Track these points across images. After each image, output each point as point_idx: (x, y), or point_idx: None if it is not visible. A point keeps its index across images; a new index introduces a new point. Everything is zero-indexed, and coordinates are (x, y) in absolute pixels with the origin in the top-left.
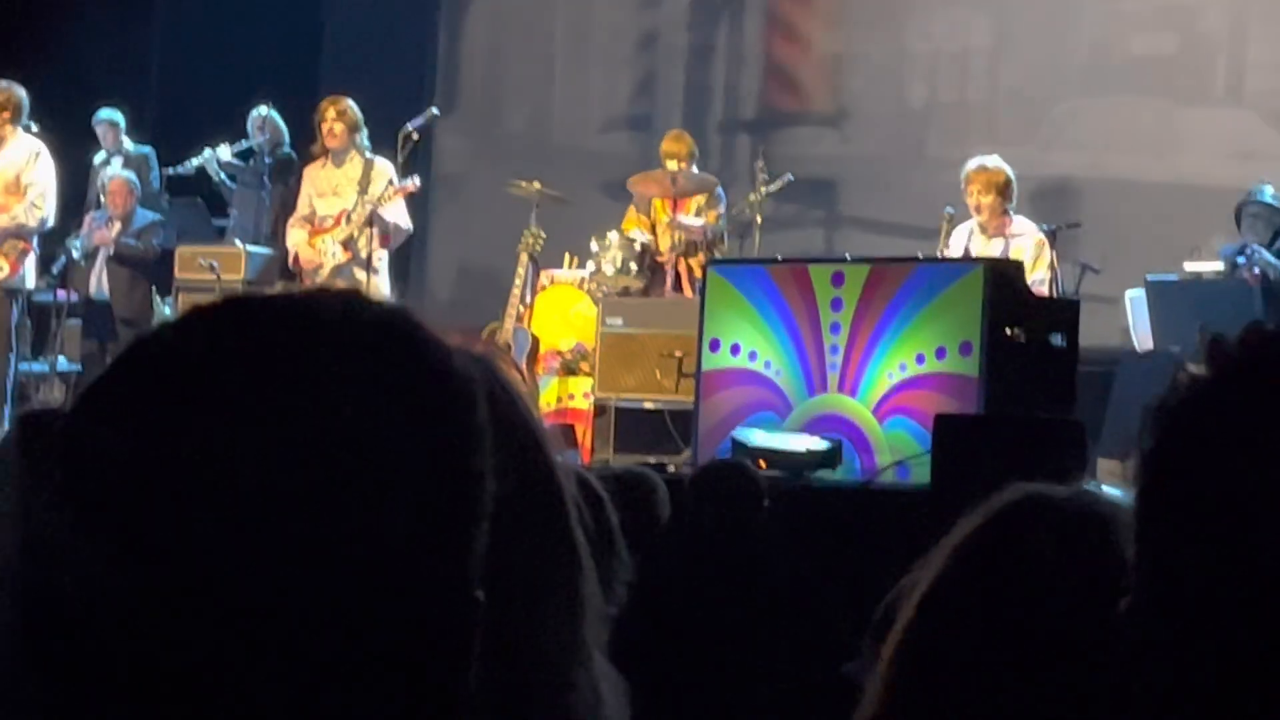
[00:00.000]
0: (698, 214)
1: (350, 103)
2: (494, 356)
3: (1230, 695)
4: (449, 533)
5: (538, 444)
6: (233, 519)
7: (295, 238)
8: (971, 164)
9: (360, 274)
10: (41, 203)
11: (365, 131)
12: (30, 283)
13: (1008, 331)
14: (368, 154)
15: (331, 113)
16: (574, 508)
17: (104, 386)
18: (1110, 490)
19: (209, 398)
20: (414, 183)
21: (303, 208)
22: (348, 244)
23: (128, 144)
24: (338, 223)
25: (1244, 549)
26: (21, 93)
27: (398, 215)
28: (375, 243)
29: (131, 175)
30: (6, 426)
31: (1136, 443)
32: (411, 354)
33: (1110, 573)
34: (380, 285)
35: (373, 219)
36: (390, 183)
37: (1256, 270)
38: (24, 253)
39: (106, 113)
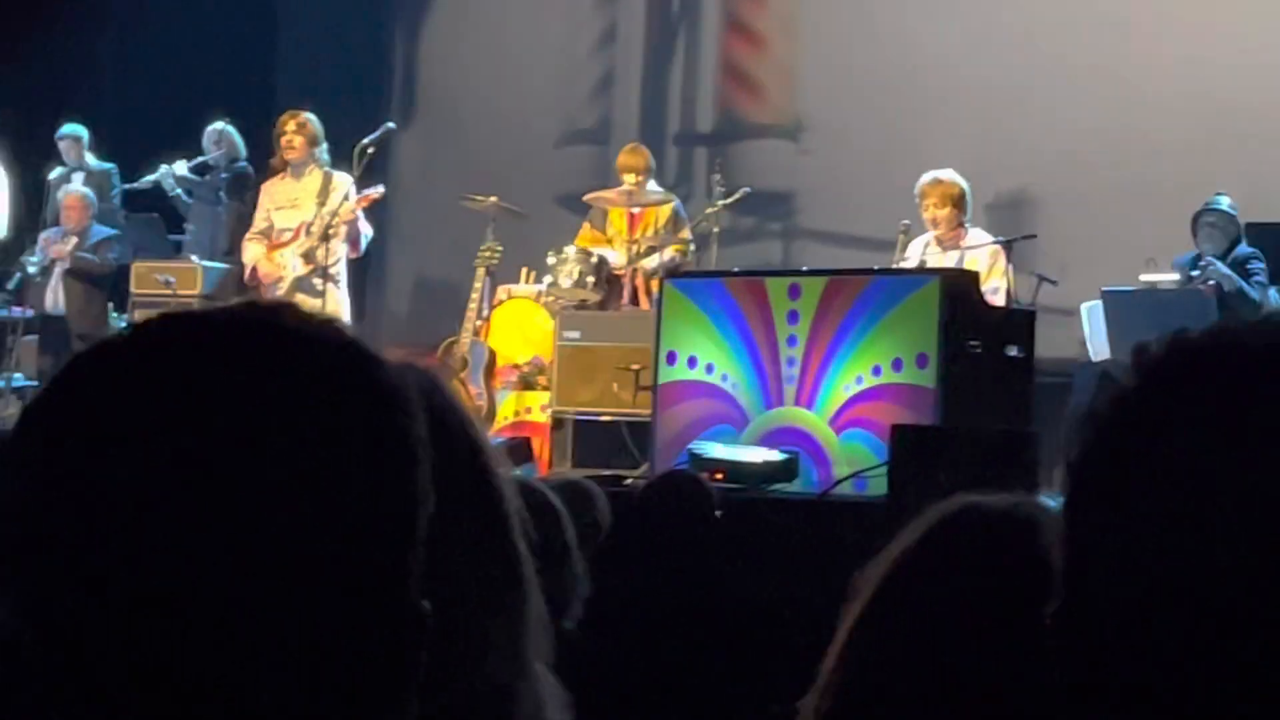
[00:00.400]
0: (657, 233)
1: (310, 116)
2: (439, 372)
3: (1152, 700)
4: (389, 547)
5: (480, 458)
6: (166, 539)
7: (253, 252)
8: (926, 178)
9: (320, 285)
10: None
11: (325, 145)
12: None
13: (964, 343)
14: (326, 168)
15: (291, 125)
16: (516, 520)
17: (39, 407)
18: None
19: (140, 420)
20: (378, 191)
21: (259, 222)
22: (308, 256)
23: (90, 159)
24: (296, 235)
25: (1165, 555)
26: None
27: (362, 222)
28: (345, 251)
29: (87, 190)
30: None
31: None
32: (348, 370)
33: (1038, 580)
34: (340, 297)
35: (327, 232)
36: (347, 196)
37: (1211, 281)
38: None
39: (71, 127)
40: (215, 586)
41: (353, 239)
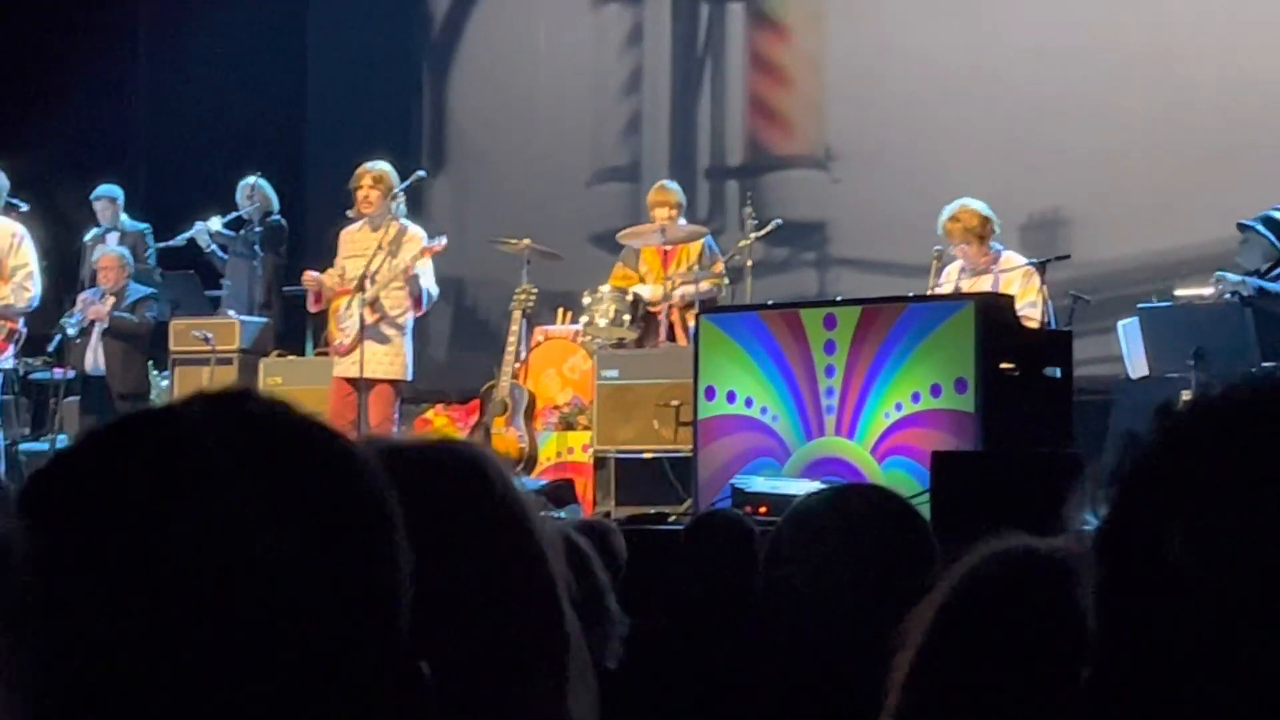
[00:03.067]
0: (690, 269)
1: (386, 168)
2: (481, 449)
3: None
4: (371, 615)
5: (528, 533)
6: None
7: (327, 280)
8: (944, 215)
9: (388, 331)
10: (29, 284)
11: (402, 199)
12: (10, 363)
13: (1001, 366)
14: (402, 219)
15: (367, 180)
16: (562, 583)
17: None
18: None
19: (127, 511)
20: (440, 243)
21: (336, 268)
22: (374, 305)
23: (125, 219)
24: (361, 285)
25: (1197, 626)
26: None
27: (428, 280)
28: (407, 305)
29: (123, 250)
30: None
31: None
32: (314, 450)
33: (1076, 638)
34: (405, 346)
35: (406, 281)
36: (417, 247)
37: (1227, 295)
38: (12, 333)
39: (106, 188)
40: (198, 660)
41: (415, 296)
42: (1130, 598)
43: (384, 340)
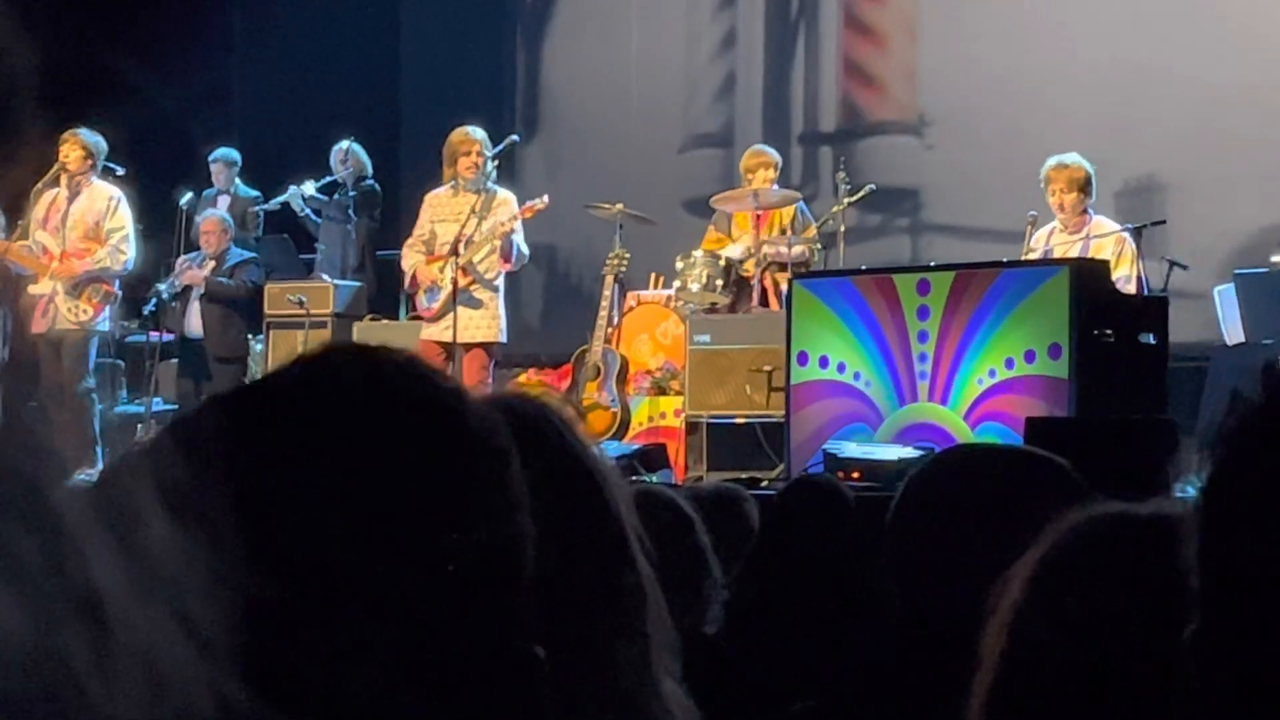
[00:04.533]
0: (783, 233)
1: (483, 135)
2: (553, 401)
3: None
4: (491, 594)
5: (596, 487)
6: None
7: (412, 259)
8: (1051, 162)
9: (481, 294)
10: (126, 247)
11: (493, 164)
12: (106, 325)
13: (1096, 332)
14: (490, 183)
15: (478, 147)
16: (634, 540)
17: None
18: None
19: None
20: (543, 201)
21: (420, 230)
22: (467, 268)
23: (239, 184)
24: (454, 249)
25: None
26: (95, 139)
27: (519, 238)
28: (498, 263)
29: (225, 214)
30: (100, 466)
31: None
32: (440, 420)
33: (1178, 598)
34: (499, 309)
35: (500, 239)
36: (512, 210)
37: None
38: (107, 295)
39: (224, 151)
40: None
41: (505, 252)
42: (1237, 556)
43: (477, 304)
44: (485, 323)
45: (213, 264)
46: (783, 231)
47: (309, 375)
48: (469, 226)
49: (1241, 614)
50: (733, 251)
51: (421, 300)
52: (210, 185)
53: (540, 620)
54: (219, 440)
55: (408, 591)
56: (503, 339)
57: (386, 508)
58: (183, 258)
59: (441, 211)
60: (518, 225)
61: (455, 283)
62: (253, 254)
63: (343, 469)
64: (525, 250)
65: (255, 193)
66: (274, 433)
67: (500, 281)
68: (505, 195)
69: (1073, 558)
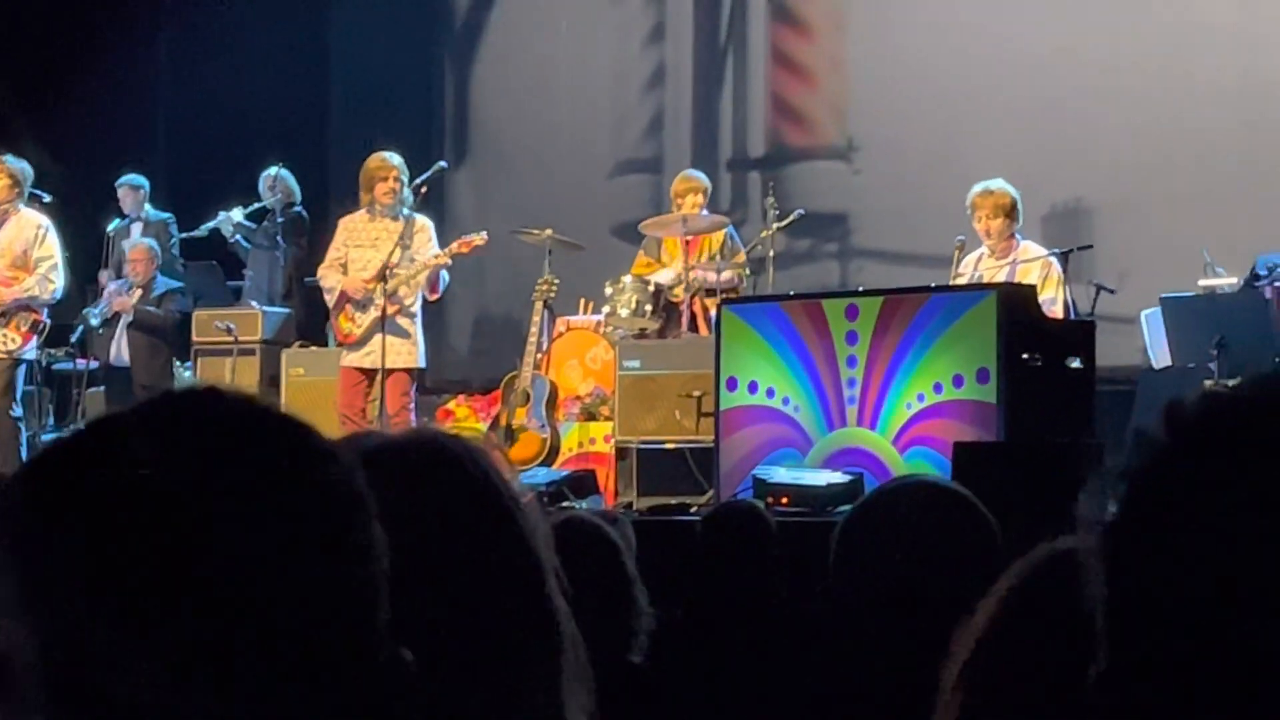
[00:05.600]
0: (712, 258)
1: (400, 160)
2: (480, 442)
3: None
4: (347, 602)
5: (513, 523)
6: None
7: (334, 278)
8: (977, 189)
9: (402, 322)
10: (55, 276)
11: (409, 190)
12: (34, 353)
13: (1024, 357)
14: (407, 209)
15: (395, 173)
16: (552, 577)
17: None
18: None
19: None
20: (481, 236)
21: (337, 254)
22: (392, 296)
23: (148, 209)
24: (383, 276)
25: (1206, 622)
26: (21, 166)
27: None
28: (425, 292)
29: (153, 242)
30: None
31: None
32: (282, 442)
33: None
34: (419, 338)
35: (401, 275)
36: (430, 238)
37: (1278, 284)
38: (36, 324)
39: (130, 177)
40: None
41: (432, 282)
42: (1140, 598)
43: (399, 332)
44: (405, 349)
45: (140, 292)
46: (712, 257)
47: (155, 414)
48: (393, 255)
49: (1144, 656)
50: (662, 277)
51: (341, 325)
52: (119, 215)
53: (451, 653)
54: (67, 482)
55: (259, 604)
56: (422, 364)
57: (232, 549)
58: (110, 285)
59: (357, 237)
60: (448, 259)
61: (384, 310)
62: (179, 283)
63: (192, 506)
64: (448, 278)
65: (167, 215)
66: (120, 472)
67: (418, 308)
68: (423, 222)
69: (1027, 599)
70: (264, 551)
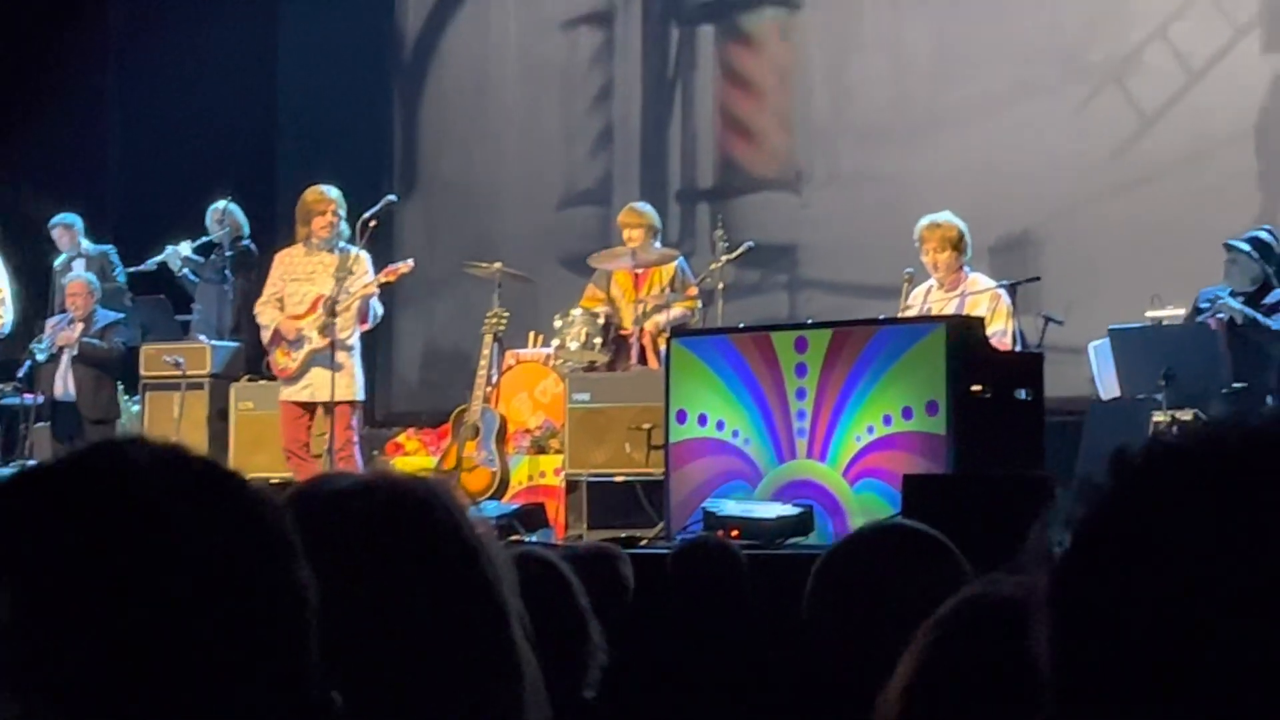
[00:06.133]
0: (663, 291)
1: (339, 196)
2: (439, 483)
3: None
4: (273, 645)
5: (477, 566)
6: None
7: (270, 315)
8: (923, 222)
9: (339, 354)
10: (3, 311)
11: (346, 223)
12: None
13: (972, 388)
14: (344, 242)
15: (334, 207)
16: (515, 620)
17: None
18: None
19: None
20: (406, 265)
21: (272, 288)
22: (325, 330)
23: (86, 244)
24: (313, 309)
25: (1152, 673)
26: None
27: (375, 300)
28: (355, 324)
29: (90, 276)
30: None
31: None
32: (208, 491)
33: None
34: (355, 371)
35: (334, 308)
36: (367, 272)
37: (1221, 316)
38: None
39: (61, 217)
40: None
41: (363, 313)
42: (1085, 648)
43: (338, 366)
44: (345, 381)
45: (81, 326)
46: (662, 290)
47: (83, 465)
48: (331, 289)
49: (1088, 706)
50: (609, 311)
51: (278, 360)
52: (60, 252)
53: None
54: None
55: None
56: (360, 396)
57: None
58: (52, 320)
59: (295, 270)
60: (374, 298)
61: (334, 343)
62: (121, 315)
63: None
64: (380, 310)
65: (107, 247)
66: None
67: (356, 340)
68: (360, 254)
69: (945, 645)
70: (184, 594)
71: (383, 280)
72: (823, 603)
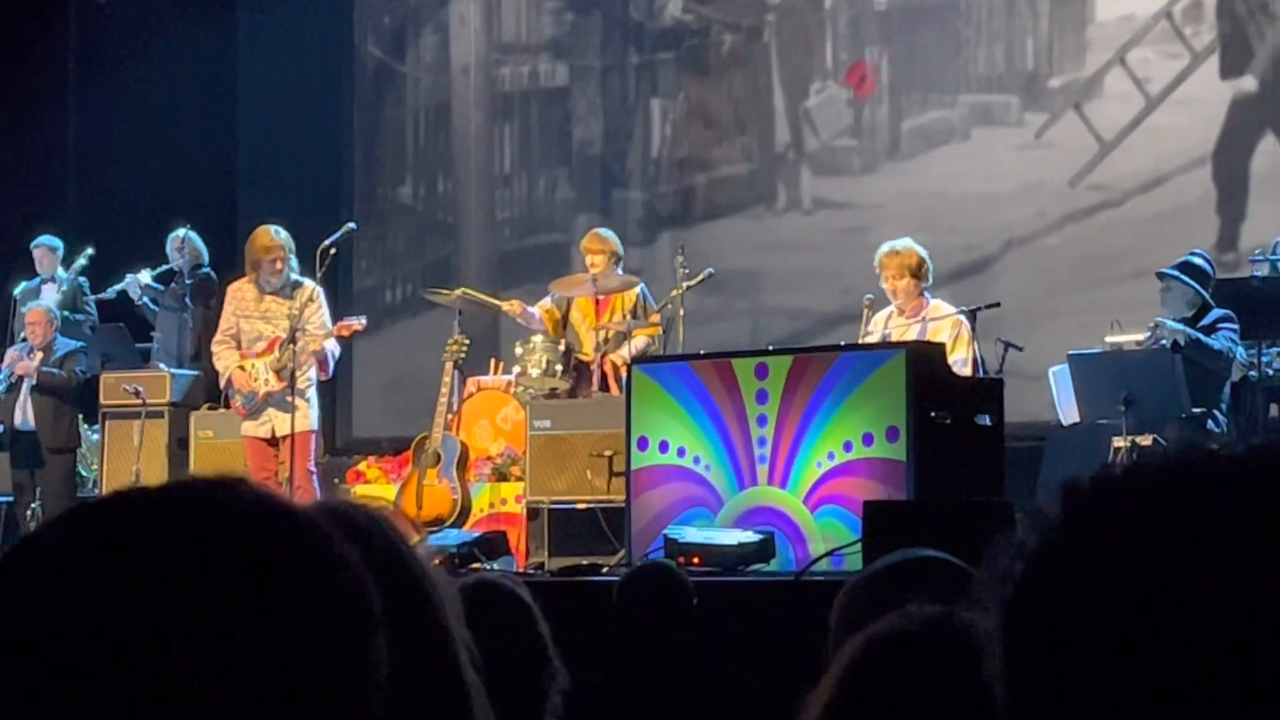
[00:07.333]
0: (624, 318)
1: (287, 238)
2: (386, 516)
3: None
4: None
5: (424, 597)
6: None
7: (227, 360)
8: (884, 249)
9: (292, 401)
10: None
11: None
12: None
13: (933, 414)
14: (294, 276)
15: (281, 253)
16: (463, 650)
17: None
18: None
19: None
20: (359, 322)
21: (228, 325)
22: (281, 373)
23: (61, 272)
24: (270, 349)
25: (1099, 696)
26: None
27: (331, 344)
28: (314, 371)
29: (50, 304)
30: None
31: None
32: (298, 547)
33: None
34: (312, 414)
35: (294, 337)
36: (312, 297)
37: (1163, 340)
38: None
39: (46, 238)
40: None
41: (321, 360)
42: (1034, 677)
43: (295, 406)
44: (302, 413)
45: (41, 355)
46: (624, 316)
47: (172, 502)
48: (283, 329)
49: None
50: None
51: (237, 399)
52: (27, 277)
53: None
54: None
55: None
56: (315, 426)
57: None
58: (11, 349)
59: (246, 308)
60: (332, 341)
61: (294, 377)
62: (81, 344)
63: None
64: (338, 352)
65: (81, 278)
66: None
67: (312, 374)
68: (313, 289)
69: (860, 677)
70: (264, 656)
71: (336, 334)
72: (850, 633)
